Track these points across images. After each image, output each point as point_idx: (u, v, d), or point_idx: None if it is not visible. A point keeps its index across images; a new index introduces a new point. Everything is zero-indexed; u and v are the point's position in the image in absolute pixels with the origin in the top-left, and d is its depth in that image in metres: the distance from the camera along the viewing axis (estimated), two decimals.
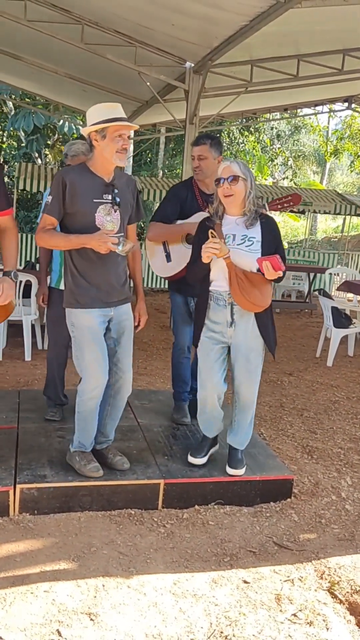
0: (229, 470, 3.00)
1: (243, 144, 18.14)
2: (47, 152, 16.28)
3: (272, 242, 2.82)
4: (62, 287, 3.39)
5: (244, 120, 12.44)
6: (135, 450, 3.16)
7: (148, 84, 7.08)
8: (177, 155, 16.76)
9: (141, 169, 16.52)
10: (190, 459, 3.05)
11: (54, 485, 2.76)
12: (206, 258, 2.72)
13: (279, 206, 3.36)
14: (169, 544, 2.61)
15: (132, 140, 13.52)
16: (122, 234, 2.77)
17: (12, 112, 14.44)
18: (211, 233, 2.75)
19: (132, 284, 3.09)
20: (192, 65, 6.74)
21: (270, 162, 19.68)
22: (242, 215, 2.82)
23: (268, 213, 3.24)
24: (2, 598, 2.20)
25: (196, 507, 2.92)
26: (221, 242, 2.71)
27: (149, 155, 17.16)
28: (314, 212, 12.60)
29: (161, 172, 16.72)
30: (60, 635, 2.03)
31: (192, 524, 2.78)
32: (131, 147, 13.78)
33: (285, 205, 3.36)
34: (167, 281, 3.65)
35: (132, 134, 2.67)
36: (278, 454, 3.61)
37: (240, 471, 3.01)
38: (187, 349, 3.61)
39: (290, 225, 21.86)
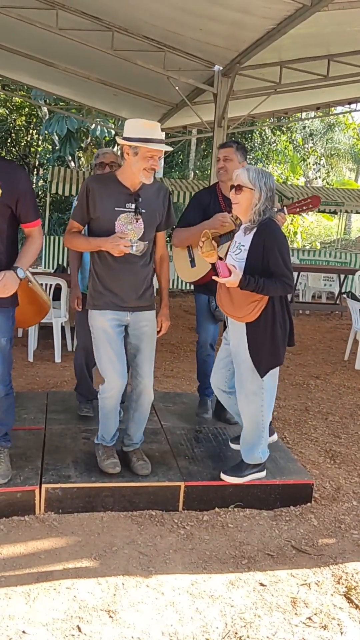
0: (221, 475, 2.98)
1: (275, 144, 18.02)
2: (80, 155, 16.53)
3: (259, 251, 2.73)
4: None
5: (275, 119, 12.34)
6: (157, 453, 3.23)
7: (177, 88, 7.14)
8: (208, 157, 16.78)
9: (172, 171, 16.60)
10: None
11: (77, 486, 2.85)
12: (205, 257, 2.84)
13: (298, 209, 3.36)
14: (188, 545, 2.68)
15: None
16: (147, 242, 2.85)
17: (47, 117, 14.75)
18: (204, 233, 2.83)
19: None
20: (221, 68, 6.77)
21: (302, 161, 19.49)
22: (247, 222, 2.83)
23: (286, 217, 3.26)
24: (27, 593, 2.30)
25: (216, 509, 2.97)
26: (207, 242, 2.78)
27: (181, 157, 17.23)
28: (346, 212, 12.44)
29: (192, 173, 16.77)
30: (80, 631, 2.12)
31: (212, 526, 2.83)
32: None
33: (305, 208, 3.36)
34: None
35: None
36: (300, 458, 3.63)
37: (230, 478, 2.95)
38: (210, 346, 3.67)
39: (323, 225, 21.60)
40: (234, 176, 2.81)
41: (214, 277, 2.76)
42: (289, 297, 2.98)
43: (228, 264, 2.72)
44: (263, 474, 3.04)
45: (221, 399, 3.15)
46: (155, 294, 3.01)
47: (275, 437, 3.21)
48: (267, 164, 18.64)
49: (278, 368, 2.92)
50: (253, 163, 17.45)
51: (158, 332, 3.04)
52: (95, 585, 2.37)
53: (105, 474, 2.95)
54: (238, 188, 2.74)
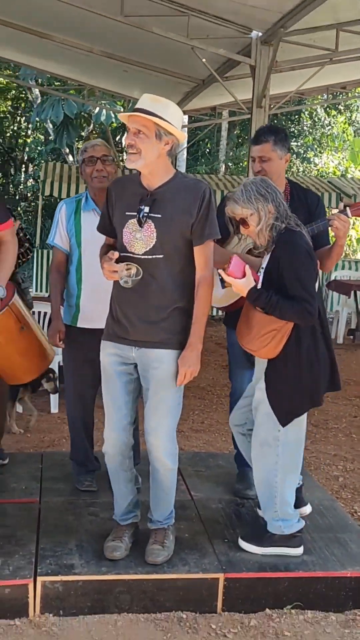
0: (239, 540, 3.14)
1: (330, 127, 18.13)
2: (80, 147, 16.84)
3: (275, 271, 2.95)
4: (79, 324, 3.51)
5: (330, 96, 12.44)
6: (187, 534, 3.18)
7: (204, 60, 7.27)
8: (243, 145, 16.92)
9: (197, 164, 16.79)
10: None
11: (83, 579, 2.82)
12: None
13: None
14: None
15: (185, 129, 13.84)
16: (160, 255, 2.82)
17: (39, 100, 15.12)
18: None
19: None
20: (260, 34, 6.86)
21: None
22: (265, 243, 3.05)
23: (350, 220, 3.29)
24: None
25: (267, 611, 2.90)
26: (223, 272, 2.98)
27: (208, 146, 17.45)
28: None
29: (223, 166, 16.95)
30: None
31: (262, 634, 2.76)
32: (185, 135, 14.09)
33: None
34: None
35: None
36: None
37: (248, 546, 3.08)
38: None
39: None
40: (228, 211, 3.02)
41: (219, 271, 2.98)
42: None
43: (248, 267, 2.95)
44: (297, 550, 3.09)
45: (237, 441, 3.37)
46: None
47: (308, 508, 3.34)
48: (319, 152, 18.72)
49: (305, 418, 3.09)
50: (302, 152, 17.57)
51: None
52: None
53: (119, 562, 2.91)
54: (244, 222, 2.98)
